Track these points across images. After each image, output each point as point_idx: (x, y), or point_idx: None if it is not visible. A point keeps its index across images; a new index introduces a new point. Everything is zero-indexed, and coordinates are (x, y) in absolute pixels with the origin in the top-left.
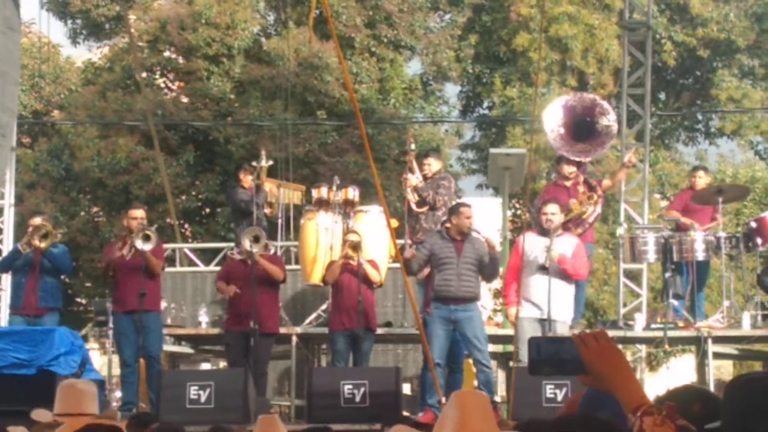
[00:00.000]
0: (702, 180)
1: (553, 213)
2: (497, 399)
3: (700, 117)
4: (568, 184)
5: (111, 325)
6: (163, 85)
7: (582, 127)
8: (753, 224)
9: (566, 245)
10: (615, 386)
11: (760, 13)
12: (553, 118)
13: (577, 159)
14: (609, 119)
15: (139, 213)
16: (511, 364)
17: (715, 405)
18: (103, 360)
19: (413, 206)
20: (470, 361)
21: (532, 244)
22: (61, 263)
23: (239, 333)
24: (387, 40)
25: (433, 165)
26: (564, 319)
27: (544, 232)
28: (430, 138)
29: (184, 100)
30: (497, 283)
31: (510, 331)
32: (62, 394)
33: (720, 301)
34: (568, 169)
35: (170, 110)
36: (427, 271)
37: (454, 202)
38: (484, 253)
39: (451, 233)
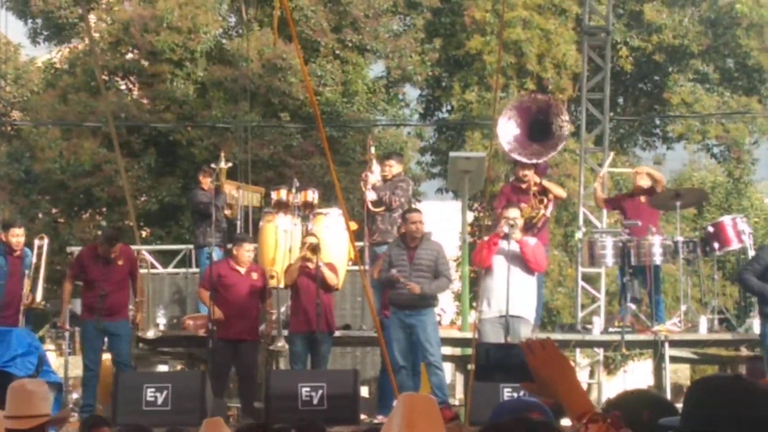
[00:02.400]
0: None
1: (513, 216)
2: (455, 402)
3: (657, 122)
4: (524, 186)
5: (68, 327)
6: (124, 88)
7: (537, 128)
8: (710, 229)
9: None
10: (560, 393)
11: (713, 19)
12: (506, 120)
13: (530, 161)
14: (563, 120)
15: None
16: (469, 367)
17: (666, 411)
18: (59, 362)
19: (370, 205)
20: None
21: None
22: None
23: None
24: (352, 44)
25: (394, 167)
26: (527, 316)
27: (506, 237)
28: (393, 141)
29: (146, 102)
30: (457, 285)
31: (469, 335)
32: (12, 395)
33: (677, 306)
34: (523, 172)
35: (132, 113)
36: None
37: (409, 206)
38: (439, 257)
39: (405, 240)
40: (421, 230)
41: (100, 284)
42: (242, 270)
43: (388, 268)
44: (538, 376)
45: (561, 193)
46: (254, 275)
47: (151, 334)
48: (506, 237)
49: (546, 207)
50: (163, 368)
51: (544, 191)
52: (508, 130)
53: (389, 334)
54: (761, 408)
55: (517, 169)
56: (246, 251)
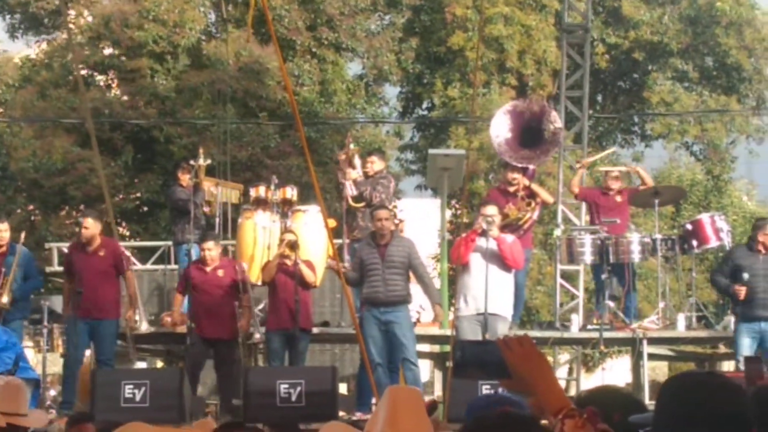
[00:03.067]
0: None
1: (491, 214)
2: (435, 398)
3: (636, 120)
4: (511, 189)
5: (46, 323)
6: (102, 84)
7: (529, 134)
8: (689, 227)
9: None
10: (537, 390)
11: (693, 17)
12: (500, 123)
13: (520, 165)
14: (556, 127)
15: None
16: (447, 363)
17: (636, 411)
18: (38, 358)
19: (350, 201)
20: None
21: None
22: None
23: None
24: (328, 42)
25: (376, 164)
26: (504, 314)
27: (484, 233)
28: (372, 140)
29: (125, 98)
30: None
31: (447, 332)
32: None
33: (656, 303)
34: (512, 176)
35: (111, 109)
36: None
37: (392, 203)
38: (411, 253)
39: (375, 238)
40: (388, 227)
41: (81, 276)
42: (208, 269)
43: (359, 267)
44: (515, 372)
45: (548, 198)
46: (220, 272)
47: (144, 328)
48: (484, 234)
49: (533, 210)
50: (141, 365)
51: (531, 195)
52: (500, 132)
53: (366, 331)
54: (734, 404)
55: (506, 172)
56: (207, 250)
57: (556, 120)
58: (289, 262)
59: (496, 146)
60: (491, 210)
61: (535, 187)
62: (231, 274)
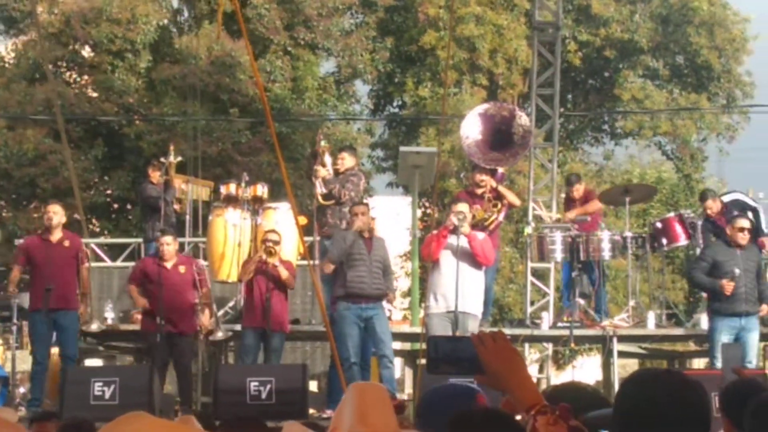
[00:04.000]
0: (580, 193)
1: (462, 211)
2: (404, 397)
3: (606, 118)
4: (479, 191)
5: (15, 321)
6: (70, 79)
7: (499, 137)
8: (659, 225)
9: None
10: (510, 386)
11: (665, 15)
12: (471, 125)
13: (488, 167)
14: (525, 130)
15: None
16: (418, 362)
17: (599, 407)
18: (7, 355)
19: (320, 198)
20: (374, 358)
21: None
22: None
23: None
24: (304, 42)
25: (346, 160)
26: (475, 312)
27: (455, 230)
28: (343, 137)
29: (94, 94)
30: (407, 282)
31: (418, 329)
32: None
33: (625, 301)
34: (480, 177)
35: (78, 104)
36: (332, 267)
37: (362, 200)
38: (386, 253)
39: (361, 232)
40: (367, 221)
41: (43, 265)
42: (168, 264)
43: (347, 251)
44: (488, 368)
45: (515, 200)
46: (182, 268)
47: (95, 327)
48: (455, 230)
49: (499, 212)
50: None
51: (498, 197)
52: (470, 134)
53: (342, 329)
54: (692, 403)
55: (474, 174)
56: (166, 245)
57: (525, 123)
58: (268, 262)
59: (465, 148)
60: (462, 207)
61: (502, 189)
62: (192, 270)
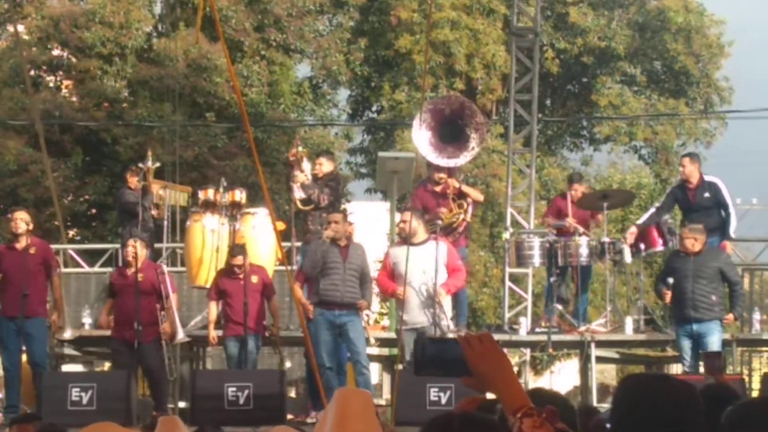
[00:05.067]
0: (578, 193)
1: (405, 221)
2: (382, 402)
3: (585, 123)
4: (438, 189)
5: None
6: (52, 85)
7: (450, 130)
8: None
9: (438, 254)
10: (497, 388)
11: (642, 23)
12: (421, 122)
13: (446, 165)
14: (478, 121)
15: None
16: (395, 366)
17: (568, 416)
18: None
19: (298, 204)
20: (350, 364)
21: (397, 256)
22: None
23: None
24: (276, 44)
25: (324, 165)
26: (418, 320)
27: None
28: (320, 141)
29: (74, 100)
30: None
31: (395, 335)
32: None
33: (604, 306)
34: (438, 175)
35: (61, 111)
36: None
37: (341, 205)
38: (364, 261)
39: (335, 240)
40: (342, 230)
41: (8, 273)
42: (130, 272)
43: (321, 266)
44: (475, 370)
45: (478, 196)
46: (140, 276)
47: (68, 334)
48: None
49: (465, 212)
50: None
51: (462, 195)
52: (422, 134)
53: (315, 335)
54: (689, 403)
55: (431, 172)
56: (131, 246)
57: (477, 114)
58: (237, 270)
59: (420, 149)
60: (406, 216)
61: (465, 187)
62: (152, 277)
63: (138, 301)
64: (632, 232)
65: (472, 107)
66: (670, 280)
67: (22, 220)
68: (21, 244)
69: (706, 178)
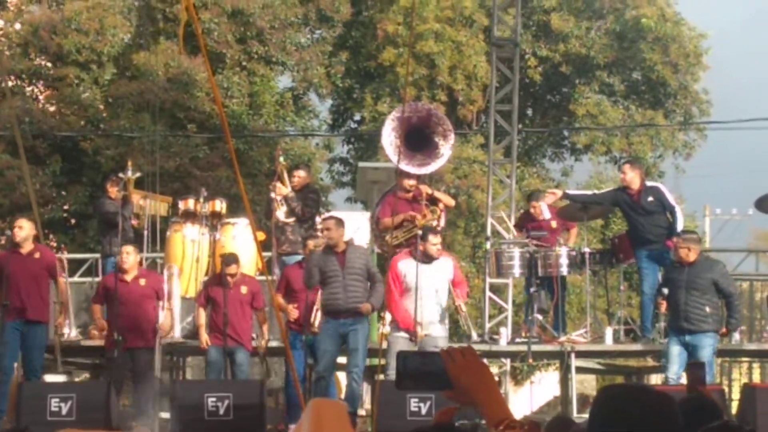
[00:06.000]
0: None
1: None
2: (362, 412)
3: (566, 133)
4: (409, 196)
5: None
6: (29, 93)
7: (417, 137)
8: (616, 240)
9: (445, 269)
10: (480, 401)
11: (619, 32)
12: (388, 131)
13: (416, 172)
14: (445, 128)
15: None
16: (376, 377)
17: None
18: None
19: (281, 216)
20: (336, 373)
21: (407, 268)
22: None
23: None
24: (258, 56)
25: (302, 177)
26: (438, 334)
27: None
28: (301, 152)
29: (52, 108)
30: None
31: (376, 345)
32: None
33: (579, 318)
34: (408, 182)
35: (38, 118)
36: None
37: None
38: (369, 260)
39: (331, 247)
40: (337, 236)
41: (12, 278)
42: (128, 277)
43: (319, 278)
44: (457, 383)
45: (450, 201)
46: (142, 281)
47: (74, 334)
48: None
49: (439, 218)
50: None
51: (433, 201)
52: (391, 141)
53: (320, 343)
54: (667, 415)
55: (401, 179)
56: (126, 254)
57: (444, 121)
58: (230, 279)
59: (391, 157)
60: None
61: (437, 193)
62: (153, 283)
63: (141, 306)
64: (553, 191)
65: (439, 114)
66: (665, 291)
67: (21, 228)
68: (24, 249)
69: (648, 183)
